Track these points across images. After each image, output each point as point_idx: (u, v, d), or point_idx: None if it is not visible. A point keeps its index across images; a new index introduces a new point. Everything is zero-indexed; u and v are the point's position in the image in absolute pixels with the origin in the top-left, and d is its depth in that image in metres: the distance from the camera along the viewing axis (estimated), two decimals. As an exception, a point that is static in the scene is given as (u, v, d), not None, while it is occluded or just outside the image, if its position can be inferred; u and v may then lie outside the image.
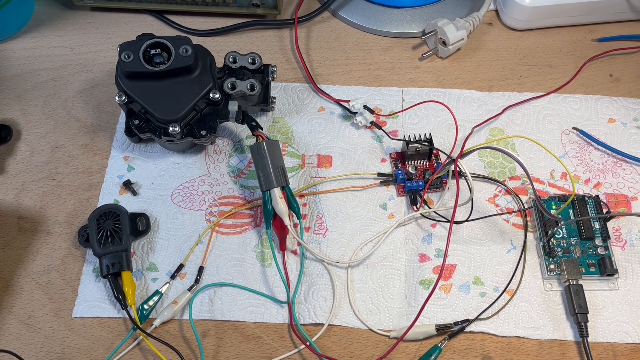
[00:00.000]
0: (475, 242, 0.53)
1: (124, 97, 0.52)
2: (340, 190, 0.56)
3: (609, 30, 0.66)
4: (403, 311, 0.50)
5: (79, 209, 0.55)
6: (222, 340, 0.50)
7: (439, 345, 0.48)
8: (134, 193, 0.56)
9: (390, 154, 0.58)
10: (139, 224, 0.53)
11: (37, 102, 0.61)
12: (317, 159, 0.57)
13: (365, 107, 0.58)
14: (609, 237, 0.52)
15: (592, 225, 0.53)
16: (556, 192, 0.55)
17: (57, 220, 0.55)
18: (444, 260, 0.48)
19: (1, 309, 0.51)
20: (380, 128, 0.58)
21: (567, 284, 0.50)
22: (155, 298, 0.50)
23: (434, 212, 0.54)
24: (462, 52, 0.64)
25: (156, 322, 0.49)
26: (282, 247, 0.52)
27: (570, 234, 0.53)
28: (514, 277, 0.51)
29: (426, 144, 0.55)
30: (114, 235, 0.51)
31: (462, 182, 0.55)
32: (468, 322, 0.49)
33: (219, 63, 0.56)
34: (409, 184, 0.54)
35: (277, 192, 0.51)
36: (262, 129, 0.54)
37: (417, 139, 0.55)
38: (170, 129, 0.51)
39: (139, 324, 0.48)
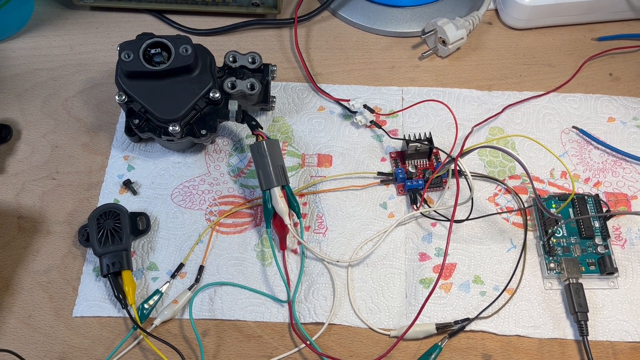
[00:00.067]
0: (475, 241, 0.53)
1: (124, 97, 0.52)
2: (340, 190, 0.56)
3: (608, 30, 0.66)
4: (403, 310, 0.50)
5: (79, 209, 0.55)
6: (223, 339, 0.50)
7: (439, 344, 0.48)
8: (134, 192, 0.56)
9: (390, 153, 0.58)
10: (139, 224, 0.53)
11: (37, 102, 0.61)
12: (317, 158, 0.57)
13: (365, 106, 0.58)
14: (609, 236, 0.52)
15: (592, 224, 0.53)
16: (556, 191, 0.56)
17: (57, 220, 0.55)
18: (444, 259, 0.48)
19: (1, 308, 0.51)
20: (380, 127, 0.58)
21: (567, 282, 0.50)
22: (156, 297, 0.51)
23: (434, 211, 0.54)
24: (462, 52, 0.64)
25: (156, 322, 0.49)
26: (282, 246, 0.52)
27: (570, 232, 0.53)
28: (514, 276, 0.51)
29: (426, 143, 0.55)
30: (114, 234, 0.51)
31: (462, 181, 0.55)
32: (468, 321, 0.49)
33: (219, 62, 0.56)
34: (409, 183, 0.54)
35: (277, 192, 0.51)
36: (262, 128, 0.54)
37: (417, 138, 0.55)
38: (170, 128, 0.51)
39: (139, 323, 0.49)
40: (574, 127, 0.59)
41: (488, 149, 0.57)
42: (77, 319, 0.50)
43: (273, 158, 0.52)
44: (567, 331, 0.49)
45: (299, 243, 0.52)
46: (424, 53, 0.63)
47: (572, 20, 0.65)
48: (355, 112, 0.59)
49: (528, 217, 0.54)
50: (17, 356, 0.47)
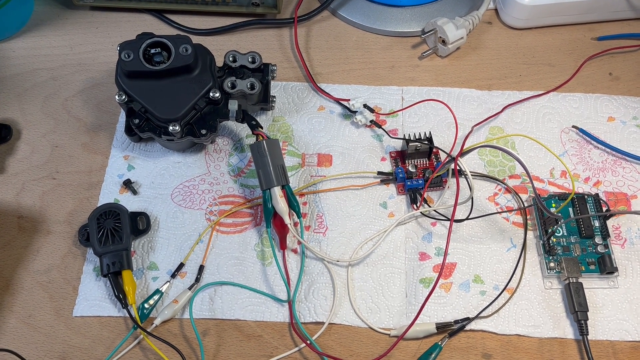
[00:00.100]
0: (475, 241, 0.53)
1: (124, 96, 0.52)
2: (340, 189, 0.56)
3: (608, 29, 0.66)
4: (403, 310, 0.50)
5: (79, 208, 0.55)
6: (223, 339, 0.50)
7: (439, 343, 0.48)
8: (134, 192, 0.56)
9: (390, 152, 0.58)
10: (139, 223, 0.53)
11: (37, 102, 0.61)
12: (317, 158, 0.57)
13: (365, 106, 0.59)
14: (609, 235, 0.52)
15: (592, 223, 0.53)
16: (556, 190, 0.56)
17: (57, 220, 0.55)
18: (444, 259, 0.48)
19: (2, 308, 0.51)
20: (380, 127, 0.58)
21: (567, 282, 0.50)
22: (156, 297, 0.51)
23: (434, 210, 0.54)
24: (462, 51, 0.64)
25: (157, 321, 0.49)
26: (283, 245, 0.52)
27: (570, 232, 0.53)
28: (514, 276, 0.51)
29: (426, 142, 0.55)
30: (115, 234, 0.51)
31: (462, 180, 0.55)
32: (468, 320, 0.49)
33: (219, 62, 0.56)
34: (409, 183, 0.54)
35: (277, 191, 0.51)
36: (262, 127, 0.54)
37: (417, 137, 0.55)
38: (171, 128, 0.51)
39: (139, 322, 0.49)
40: (573, 126, 0.59)
41: (488, 148, 0.57)
42: (77, 318, 0.50)
43: (273, 158, 0.52)
44: (567, 330, 0.49)
45: (299, 243, 0.52)
46: (424, 53, 0.63)
47: (571, 19, 0.65)
48: (355, 112, 0.59)
49: (528, 217, 0.54)
50: (17, 356, 0.47)
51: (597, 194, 0.54)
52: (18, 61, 0.64)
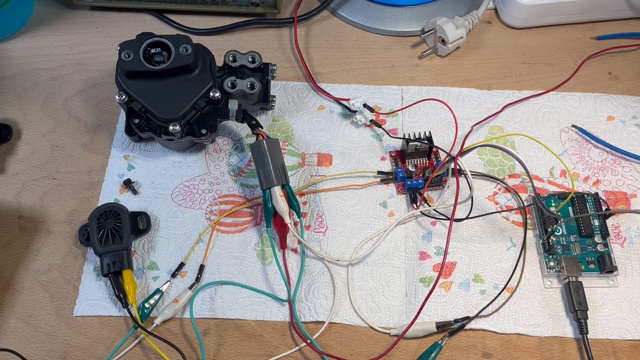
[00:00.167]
0: (475, 240, 0.53)
1: (124, 96, 0.52)
2: (340, 189, 0.56)
3: (608, 28, 0.66)
4: (403, 309, 0.51)
5: (79, 208, 0.55)
6: (223, 338, 0.50)
7: (440, 342, 0.48)
8: (135, 192, 0.56)
9: (390, 152, 0.58)
10: (140, 223, 0.53)
11: (37, 102, 0.61)
12: (317, 158, 0.58)
13: (365, 105, 0.59)
14: (609, 235, 0.52)
15: (592, 222, 0.53)
16: (556, 189, 0.56)
17: (57, 219, 0.55)
18: (444, 258, 0.48)
19: (2, 308, 0.51)
20: (380, 126, 0.58)
21: (566, 281, 0.50)
22: (156, 296, 0.51)
23: (434, 210, 0.54)
24: (462, 51, 0.64)
25: (157, 321, 0.49)
26: (283, 245, 0.52)
27: (569, 231, 0.53)
28: (514, 275, 0.51)
29: (426, 142, 0.55)
30: (115, 234, 0.51)
31: (461, 180, 0.55)
32: (468, 319, 0.49)
33: (219, 62, 0.56)
34: (408, 182, 0.54)
35: (277, 191, 0.51)
36: (262, 127, 0.54)
37: (416, 137, 0.55)
38: (171, 127, 0.51)
39: (140, 322, 0.49)
40: (573, 125, 0.59)
41: (488, 147, 0.57)
42: (77, 318, 0.51)
43: (273, 157, 0.52)
44: (566, 329, 0.50)
45: (299, 242, 0.53)
46: (424, 52, 0.64)
47: (571, 19, 0.65)
48: (355, 112, 0.59)
49: (528, 216, 0.54)
50: (18, 355, 0.47)
51: (596, 193, 0.54)
52: (18, 61, 0.64)
